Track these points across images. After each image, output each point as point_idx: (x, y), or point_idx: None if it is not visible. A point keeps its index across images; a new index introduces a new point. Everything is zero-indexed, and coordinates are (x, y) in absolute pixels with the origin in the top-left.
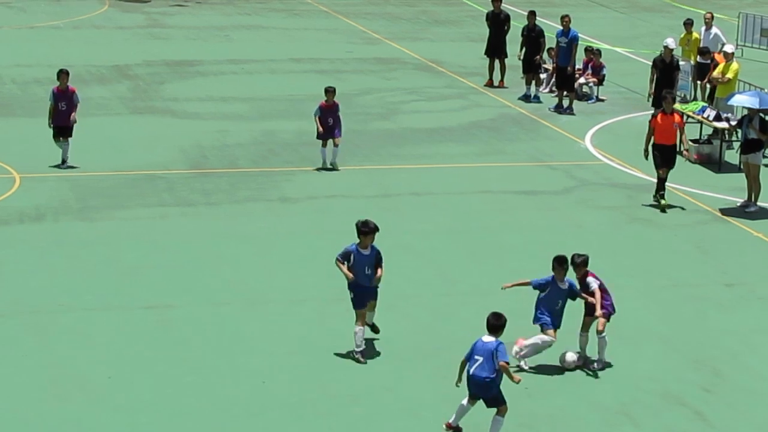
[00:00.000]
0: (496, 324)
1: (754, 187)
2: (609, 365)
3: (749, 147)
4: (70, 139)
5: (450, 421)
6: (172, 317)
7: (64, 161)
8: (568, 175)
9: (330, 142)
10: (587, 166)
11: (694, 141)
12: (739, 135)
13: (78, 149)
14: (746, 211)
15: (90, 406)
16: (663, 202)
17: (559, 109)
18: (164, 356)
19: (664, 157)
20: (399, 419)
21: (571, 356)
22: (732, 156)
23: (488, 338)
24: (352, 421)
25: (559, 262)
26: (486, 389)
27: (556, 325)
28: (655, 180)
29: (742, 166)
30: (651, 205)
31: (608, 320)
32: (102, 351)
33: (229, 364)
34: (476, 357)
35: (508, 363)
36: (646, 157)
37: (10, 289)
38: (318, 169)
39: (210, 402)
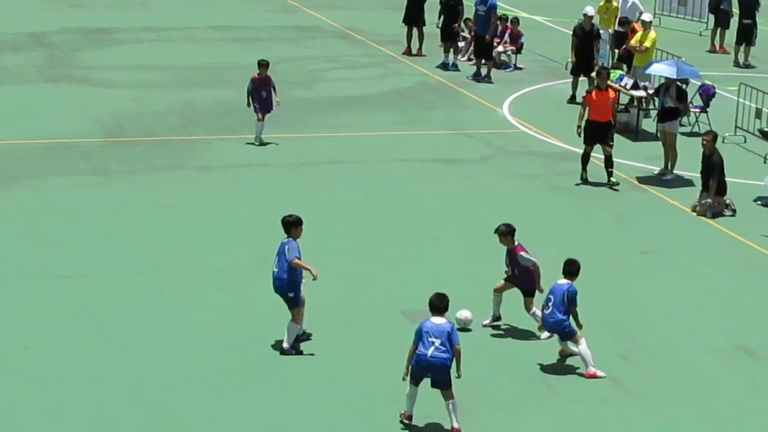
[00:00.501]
0: (440, 305)
1: (670, 155)
2: (522, 335)
3: (666, 115)
4: None
5: (404, 411)
6: (89, 287)
7: None
8: (486, 144)
9: (262, 114)
10: (505, 134)
11: None
12: (656, 103)
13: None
14: (663, 179)
15: (5, 376)
16: (613, 179)
17: (477, 77)
18: (81, 326)
19: (599, 133)
20: (316, 387)
21: (464, 313)
22: (649, 124)
23: (439, 320)
24: (269, 390)
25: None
26: (442, 371)
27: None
28: (581, 154)
29: (659, 135)
30: (580, 184)
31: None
32: (17, 320)
33: (146, 333)
34: (432, 339)
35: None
36: (579, 134)
37: None
38: (250, 143)
39: (127, 372)
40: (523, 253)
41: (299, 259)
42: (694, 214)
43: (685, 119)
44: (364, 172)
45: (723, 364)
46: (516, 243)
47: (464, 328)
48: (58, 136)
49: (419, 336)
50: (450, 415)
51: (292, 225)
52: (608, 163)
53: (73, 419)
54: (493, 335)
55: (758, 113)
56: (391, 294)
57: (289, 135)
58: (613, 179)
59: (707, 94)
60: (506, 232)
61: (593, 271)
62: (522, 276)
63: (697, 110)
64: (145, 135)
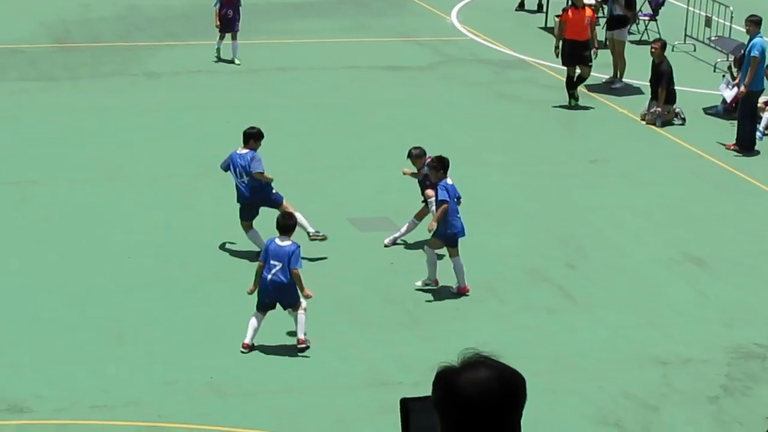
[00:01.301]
0: (286, 224)
1: (618, 63)
2: (468, 245)
3: (615, 23)
4: None
5: (246, 341)
6: (34, 193)
7: None
8: (435, 51)
9: (228, 36)
10: (453, 41)
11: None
12: (605, 11)
13: None
14: (612, 88)
15: None
16: (573, 101)
17: None
18: (27, 233)
19: (577, 53)
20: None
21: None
22: (598, 33)
23: (283, 241)
24: (215, 297)
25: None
26: (284, 293)
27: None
28: (564, 78)
29: (607, 43)
30: (564, 107)
31: None
32: None
33: (92, 240)
34: (273, 262)
35: (299, 270)
36: (557, 55)
37: None
38: (215, 60)
39: (74, 279)
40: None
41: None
42: (644, 122)
43: (634, 27)
44: (311, 78)
45: (671, 272)
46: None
47: None
48: (2, 42)
49: (265, 255)
50: (297, 325)
51: (251, 137)
52: (578, 82)
53: (18, 325)
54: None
55: (708, 21)
56: (338, 201)
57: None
58: (573, 101)
59: (656, 1)
60: (419, 155)
61: (541, 180)
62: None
63: (647, 18)
64: (91, 41)
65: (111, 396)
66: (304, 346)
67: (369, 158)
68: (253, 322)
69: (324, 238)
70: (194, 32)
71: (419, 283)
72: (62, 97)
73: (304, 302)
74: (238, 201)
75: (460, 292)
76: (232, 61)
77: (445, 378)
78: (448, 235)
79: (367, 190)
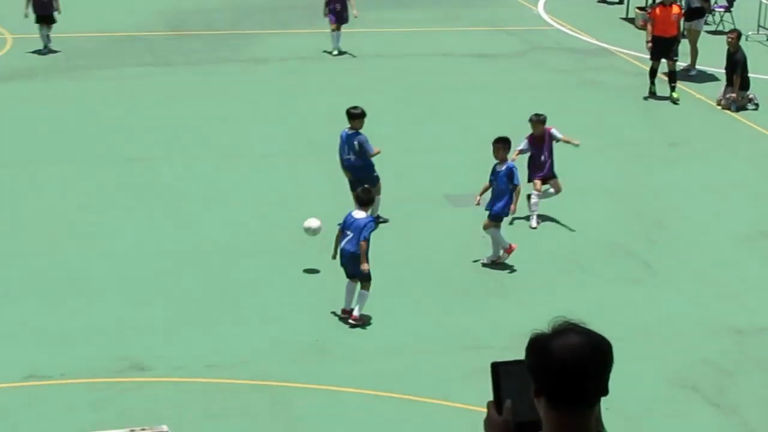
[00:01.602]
0: (365, 199)
1: (692, 52)
2: (556, 220)
3: (692, 14)
4: (53, 25)
5: (345, 306)
6: (153, 169)
7: (45, 46)
8: (523, 40)
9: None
10: (540, 31)
11: (641, 8)
12: (684, 3)
13: (64, 11)
14: (689, 75)
15: (78, 251)
16: (675, 95)
17: None
18: (146, 205)
19: (663, 48)
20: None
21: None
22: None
23: (359, 213)
24: (321, 265)
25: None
26: (353, 263)
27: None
28: (648, 69)
29: (685, 33)
30: (648, 98)
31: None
32: (89, 199)
33: (206, 213)
34: (347, 233)
35: (367, 242)
36: (648, 49)
37: (6, 141)
38: (327, 52)
39: (193, 247)
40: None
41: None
42: (719, 107)
43: (710, 18)
44: (408, 65)
45: (746, 248)
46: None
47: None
48: (124, 30)
49: (342, 225)
50: (357, 300)
51: (356, 117)
52: (671, 77)
53: (141, 290)
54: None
55: None
56: (433, 178)
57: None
58: (675, 94)
59: None
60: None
61: (623, 160)
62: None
63: (722, 9)
64: (205, 29)
65: (224, 356)
66: (356, 323)
67: (461, 139)
68: (348, 288)
69: (385, 221)
70: (300, 21)
71: (485, 260)
72: (178, 80)
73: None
74: (346, 174)
75: (509, 252)
76: (338, 51)
77: (538, 344)
78: (504, 213)
79: (461, 168)
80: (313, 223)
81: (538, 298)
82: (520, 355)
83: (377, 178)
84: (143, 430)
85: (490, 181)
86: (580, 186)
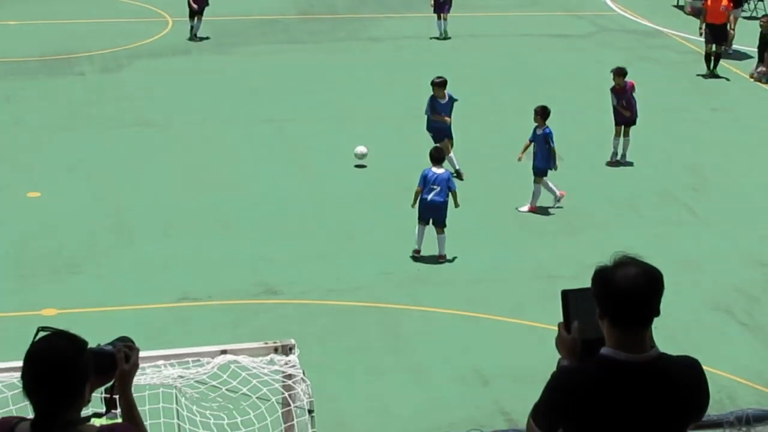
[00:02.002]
0: (439, 156)
1: (730, 35)
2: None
3: (735, 4)
4: (202, 18)
5: (417, 247)
6: (284, 129)
7: (195, 35)
8: (591, 23)
9: (441, 15)
10: (606, 15)
11: None
12: None
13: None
14: (727, 54)
15: (223, 195)
16: (716, 70)
17: None
18: (279, 158)
19: (714, 34)
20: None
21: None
22: None
23: (438, 169)
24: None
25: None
26: (439, 211)
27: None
28: (703, 53)
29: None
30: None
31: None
32: (231, 154)
33: (327, 165)
34: (433, 186)
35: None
36: (701, 35)
37: (164, 106)
38: (432, 38)
39: (317, 192)
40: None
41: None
42: (752, 80)
43: (746, 6)
44: (496, 44)
45: None
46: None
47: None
48: (263, 13)
49: (423, 182)
50: (438, 244)
51: (438, 86)
52: (717, 58)
53: (274, 226)
54: (594, 166)
55: None
56: (517, 137)
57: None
58: (716, 70)
59: None
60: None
61: (673, 122)
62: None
63: None
64: (328, 13)
65: (342, 282)
66: (443, 261)
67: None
68: (419, 231)
69: (459, 175)
70: (410, 7)
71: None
72: (307, 56)
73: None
74: (429, 132)
75: (560, 198)
76: (445, 36)
77: (602, 274)
78: (545, 168)
79: None
80: (361, 149)
81: (599, 235)
82: (586, 283)
83: (451, 138)
84: (274, 343)
85: (531, 141)
86: (637, 143)
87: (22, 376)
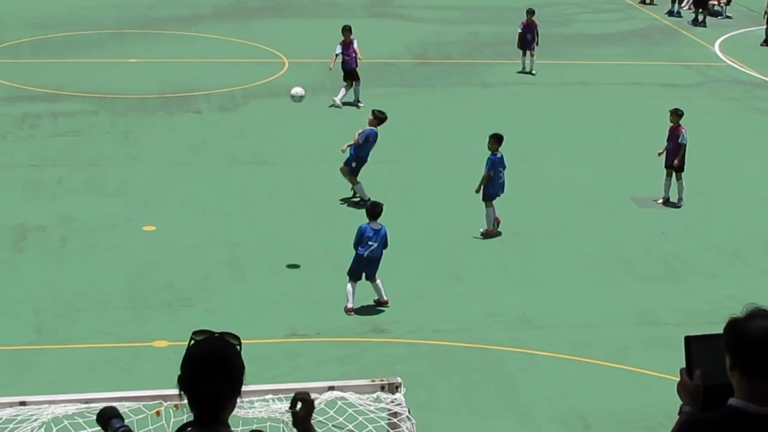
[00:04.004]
0: (375, 212)
1: None
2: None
3: None
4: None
5: (350, 305)
6: (396, 170)
7: (358, 100)
8: (700, 73)
9: (528, 52)
10: (715, 66)
11: None
12: None
13: (331, 45)
14: None
15: (333, 235)
16: None
17: (695, 22)
18: (391, 200)
19: None
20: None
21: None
22: None
23: (376, 225)
24: (528, 246)
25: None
26: (376, 265)
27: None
28: None
29: None
30: None
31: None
32: (343, 193)
33: (440, 207)
34: (371, 243)
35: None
36: None
37: (279, 145)
38: (518, 72)
39: (422, 232)
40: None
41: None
42: None
43: None
44: (605, 92)
45: None
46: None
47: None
48: (378, 57)
49: (360, 238)
50: (378, 292)
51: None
52: None
53: (381, 268)
54: (698, 214)
55: None
56: (622, 182)
57: (550, 61)
58: None
59: None
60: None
61: None
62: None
63: None
64: (442, 58)
65: (449, 323)
66: (387, 305)
67: (647, 151)
68: (353, 289)
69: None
70: (517, 52)
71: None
72: (421, 99)
73: None
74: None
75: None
76: (530, 73)
77: (735, 325)
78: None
79: (644, 174)
80: (298, 91)
81: (704, 283)
82: (690, 330)
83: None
84: (381, 381)
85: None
86: (742, 191)
87: (185, 376)
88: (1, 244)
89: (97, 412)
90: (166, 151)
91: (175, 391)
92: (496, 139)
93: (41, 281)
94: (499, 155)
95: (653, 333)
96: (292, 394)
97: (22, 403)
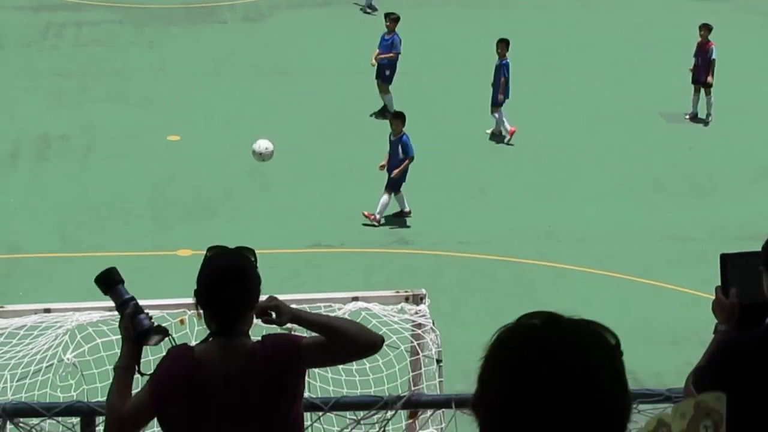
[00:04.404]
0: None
1: None
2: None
3: None
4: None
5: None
6: (422, 81)
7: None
8: None
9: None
10: None
11: None
12: None
13: None
14: None
15: (357, 147)
16: None
17: None
18: (416, 112)
19: None
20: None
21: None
22: None
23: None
24: (549, 161)
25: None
26: None
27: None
28: None
29: None
30: None
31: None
32: (367, 105)
33: (466, 119)
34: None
35: None
36: None
37: (304, 56)
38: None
39: (448, 145)
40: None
41: None
42: None
43: None
44: (633, 5)
45: None
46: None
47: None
48: None
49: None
50: (401, 202)
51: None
52: None
53: (406, 180)
54: (729, 131)
55: None
56: (651, 97)
57: None
58: None
59: None
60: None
61: None
62: None
63: None
64: None
65: (473, 235)
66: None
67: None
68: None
69: None
70: None
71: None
72: (447, 12)
73: None
74: None
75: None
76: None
77: None
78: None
79: (673, 89)
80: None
81: (732, 201)
82: (717, 247)
83: None
84: (406, 292)
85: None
86: None
87: (202, 290)
88: (26, 154)
89: (97, 274)
90: (191, 62)
91: None
92: (506, 44)
93: (65, 190)
94: (507, 60)
95: (680, 249)
96: (317, 305)
97: (47, 311)
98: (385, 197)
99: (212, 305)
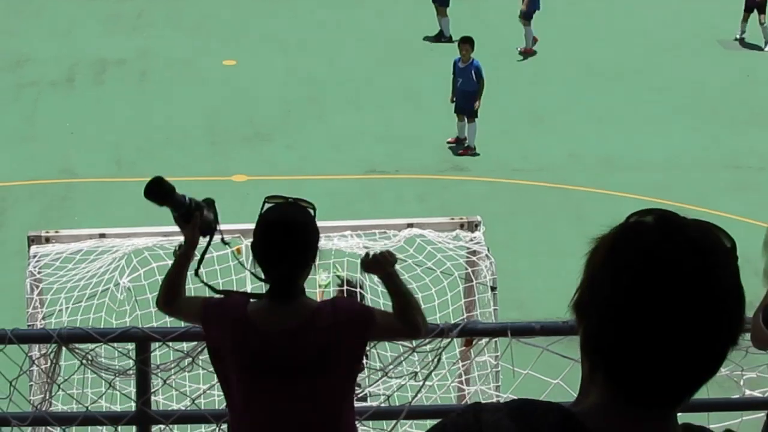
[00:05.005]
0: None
1: None
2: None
3: None
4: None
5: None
6: (481, 6)
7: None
8: None
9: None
10: None
11: None
12: None
13: None
14: None
15: (414, 72)
16: None
17: None
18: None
19: None
20: None
21: None
22: None
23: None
24: (616, 92)
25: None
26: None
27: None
28: None
29: None
30: None
31: None
32: (421, 30)
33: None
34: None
35: None
36: None
37: None
38: None
39: (504, 73)
40: None
41: None
42: None
43: None
44: None
45: None
46: None
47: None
48: None
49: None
50: (461, 129)
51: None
52: None
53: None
54: None
55: None
56: (709, 24)
57: None
58: None
59: None
60: None
61: None
62: None
63: None
64: None
65: (528, 162)
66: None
67: None
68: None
69: None
70: None
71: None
72: None
73: None
74: None
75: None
76: None
77: None
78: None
79: (731, 16)
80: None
81: None
82: None
83: None
84: (460, 219)
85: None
86: None
87: (258, 245)
88: (82, 78)
89: (146, 187)
90: None
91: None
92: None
93: (121, 114)
94: None
95: (736, 176)
96: (372, 231)
97: (102, 236)
98: (472, 125)
99: (267, 265)
